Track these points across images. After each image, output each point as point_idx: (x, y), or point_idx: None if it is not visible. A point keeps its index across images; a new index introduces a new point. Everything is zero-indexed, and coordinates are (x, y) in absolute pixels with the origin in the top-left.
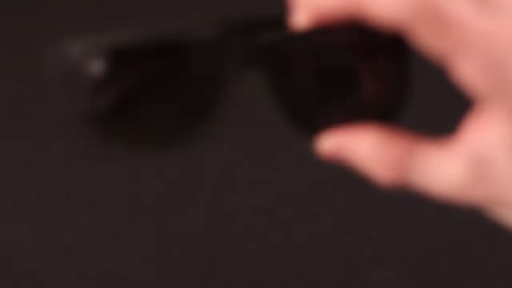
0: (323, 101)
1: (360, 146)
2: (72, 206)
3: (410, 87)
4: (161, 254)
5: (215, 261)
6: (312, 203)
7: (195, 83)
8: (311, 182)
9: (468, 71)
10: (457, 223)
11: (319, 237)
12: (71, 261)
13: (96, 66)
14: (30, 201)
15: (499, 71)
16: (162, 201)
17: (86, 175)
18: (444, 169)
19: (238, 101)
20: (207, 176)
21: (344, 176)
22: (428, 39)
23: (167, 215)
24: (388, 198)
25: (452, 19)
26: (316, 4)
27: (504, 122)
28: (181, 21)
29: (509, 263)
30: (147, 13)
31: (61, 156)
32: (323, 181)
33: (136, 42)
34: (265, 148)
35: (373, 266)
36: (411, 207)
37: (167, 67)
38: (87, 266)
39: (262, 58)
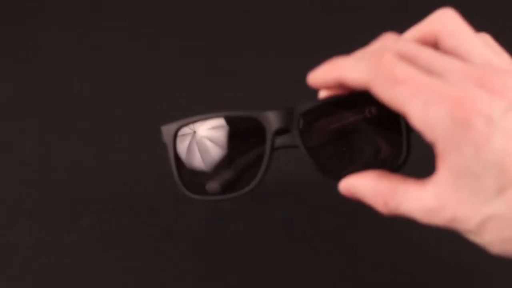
0: (345, 156)
1: (362, 185)
2: (72, 206)
3: (411, 147)
4: (161, 254)
5: (215, 261)
6: (311, 202)
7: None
8: (309, 181)
9: (415, 114)
10: None
11: (319, 236)
12: (71, 261)
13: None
14: (30, 201)
15: (437, 111)
16: (162, 201)
17: (86, 175)
18: (418, 200)
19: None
20: None
21: None
22: (385, 93)
23: (167, 215)
24: None
25: (400, 76)
26: (314, 75)
27: (452, 157)
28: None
29: (510, 263)
30: (147, 13)
31: (61, 156)
32: (322, 181)
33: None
34: None
35: (373, 266)
36: None
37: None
38: (87, 266)
39: (299, 122)
